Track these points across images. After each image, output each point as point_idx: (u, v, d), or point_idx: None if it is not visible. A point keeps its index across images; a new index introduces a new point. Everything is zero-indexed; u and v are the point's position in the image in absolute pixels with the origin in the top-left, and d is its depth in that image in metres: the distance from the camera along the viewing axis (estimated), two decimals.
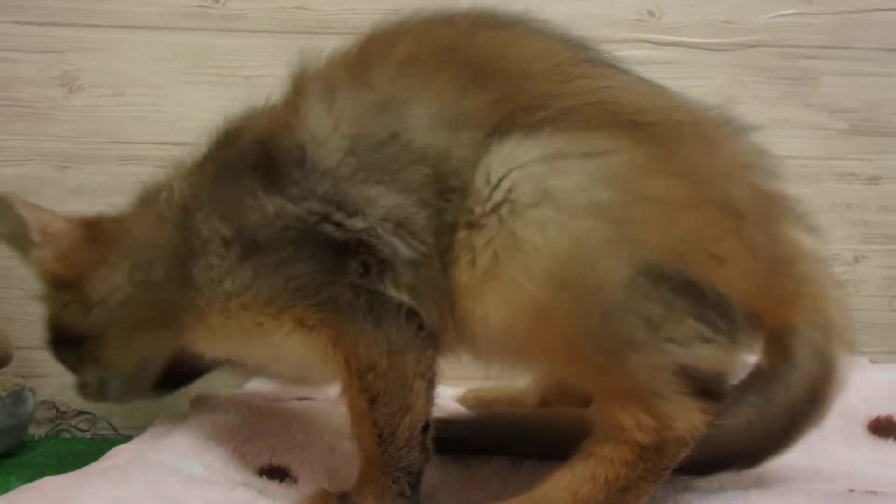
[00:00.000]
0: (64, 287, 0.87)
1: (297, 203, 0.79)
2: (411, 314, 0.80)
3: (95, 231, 0.88)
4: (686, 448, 0.77)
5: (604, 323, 0.74)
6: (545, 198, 0.75)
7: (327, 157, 0.79)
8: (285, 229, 0.79)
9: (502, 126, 0.78)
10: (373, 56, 0.81)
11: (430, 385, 0.82)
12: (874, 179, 1.35)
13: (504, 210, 0.76)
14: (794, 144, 1.33)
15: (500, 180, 0.76)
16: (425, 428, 0.81)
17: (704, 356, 0.76)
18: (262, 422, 0.98)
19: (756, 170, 0.82)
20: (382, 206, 0.78)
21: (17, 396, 1.09)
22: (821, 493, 0.84)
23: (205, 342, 0.84)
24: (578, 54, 0.84)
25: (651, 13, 1.31)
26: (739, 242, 0.78)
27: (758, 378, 0.85)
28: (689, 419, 0.76)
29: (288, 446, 0.94)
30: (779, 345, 0.84)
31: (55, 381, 1.21)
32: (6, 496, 0.74)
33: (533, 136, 0.77)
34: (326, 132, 0.79)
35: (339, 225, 0.79)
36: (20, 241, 0.89)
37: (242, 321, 0.80)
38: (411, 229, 0.79)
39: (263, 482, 0.88)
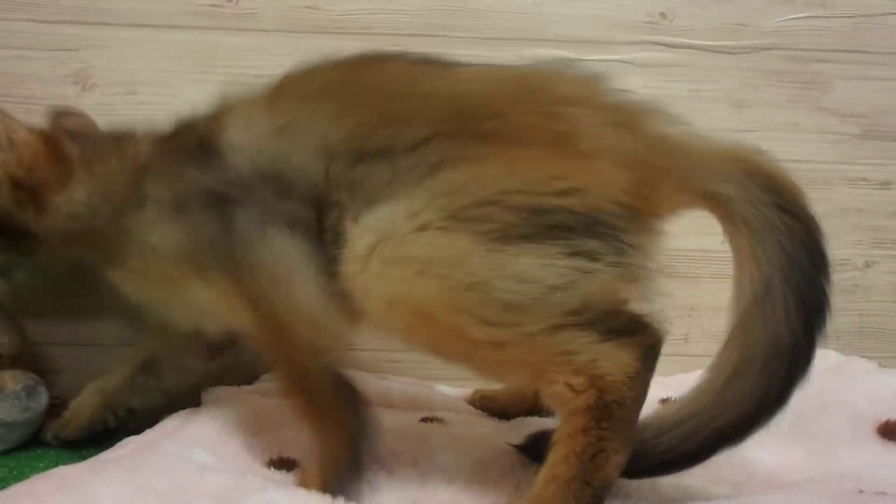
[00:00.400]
0: (20, 189, 0.99)
1: (217, 187, 0.91)
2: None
3: (58, 149, 1.00)
4: (633, 389, 0.79)
5: (474, 297, 0.79)
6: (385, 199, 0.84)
7: (237, 164, 0.92)
8: (206, 203, 0.92)
9: (365, 148, 0.87)
10: (284, 91, 0.95)
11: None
12: (885, 184, 1.35)
13: (352, 211, 0.85)
14: (805, 149, 1.33)
15: (350, 189, 0.86)
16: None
17: (591, 290, 0.79)
18: (272, 416, 1.00)
19: (593, 91, 0.87)
20: (277, 204, 0.89)
21: (32, 391, 1.11)
22: (830, 494, 0.84)
23: (124, 279, 0.98)
24: (429, 65, 0.95)
25: (663, 15, 1.31)
26: (583, 160, 0.82)
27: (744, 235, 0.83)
28: (612, 360, 0.79)
29: (297, 440, 0.95)
30: (718, 213, 0.84)
31: (67, 377, 1.22)
32: (25, 482, 0.76)
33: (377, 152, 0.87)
34: (241, 144, 0.92)
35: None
36: None
37: (161, 270, 0.93)
38: (307, 228, 0.89)
39: (272, 472, 0.90)
